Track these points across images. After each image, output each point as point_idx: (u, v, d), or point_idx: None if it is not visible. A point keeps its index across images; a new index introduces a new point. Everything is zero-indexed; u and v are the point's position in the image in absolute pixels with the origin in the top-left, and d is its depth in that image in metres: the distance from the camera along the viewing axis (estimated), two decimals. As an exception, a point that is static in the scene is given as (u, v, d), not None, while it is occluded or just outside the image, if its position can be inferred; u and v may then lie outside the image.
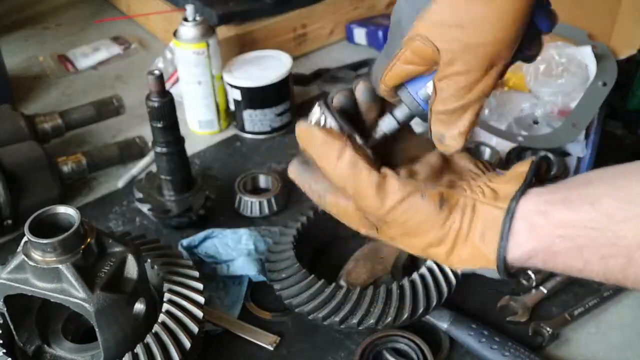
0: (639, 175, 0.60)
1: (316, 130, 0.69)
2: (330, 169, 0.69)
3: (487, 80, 0.64)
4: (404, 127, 0.76)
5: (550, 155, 1.14)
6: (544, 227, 0.62)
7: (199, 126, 1.36)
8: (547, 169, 0.71)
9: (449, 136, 0.67)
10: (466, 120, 0.66)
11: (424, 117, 0.70)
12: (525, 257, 0.63)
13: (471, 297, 0.97)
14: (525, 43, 0.65)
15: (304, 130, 0.71)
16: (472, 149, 1.18)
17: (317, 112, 0.73)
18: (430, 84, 0.66)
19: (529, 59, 0.69)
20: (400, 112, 0.72)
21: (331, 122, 0.71)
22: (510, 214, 0.63)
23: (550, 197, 0.63)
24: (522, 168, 0.67)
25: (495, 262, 0.64)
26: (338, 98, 0.75)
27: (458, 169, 0.73)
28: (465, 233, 0.65)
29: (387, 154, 0.77)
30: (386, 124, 0.73)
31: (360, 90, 0.75)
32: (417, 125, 0.81)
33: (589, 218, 0.60)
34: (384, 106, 0.76)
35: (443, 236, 0.66)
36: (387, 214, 0.67)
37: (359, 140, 0.70)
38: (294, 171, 0.74)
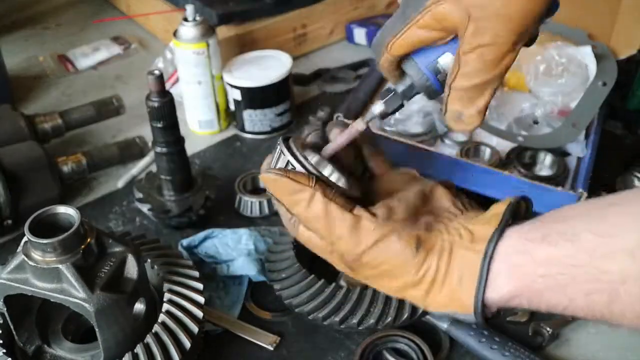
0: (617, 207, 0.59)
1: (283, 179, 0.67)
2: (302, 216, 0.67)
3: (512, 55, 0.61)
4: (382, 160, 0.74)
5: (548, 157, 1.14)
6: (524, 267, 0.61)
7: (199, 126, 1.36)
8: (527, 209, 0.69)
9: (467, 114, 0.64)
10: (486, 97, 0.63)
11: (430, 93, 0.66)
12: (507, 297, 0.62)
13: (471, 297, 0.97)
14: (544, 16, 0.63)
15: (271, 180, 0.68)
16: (470, 150, 1.17)
17: (281, 154, 0.70)
18: (443, 57, 0.63)
19: (530, 42, 0.66)
20: (404, 87, 0.67)
21: (297, 165, 0.69)
22: (487, 258, 0.62)
23: (529, 235, 0.62)
24: (499, 209, 0.65)
25: (472, 306, 0.63)
26: (311, 138, 0.74)
27: (436, 208, 0.71)
28: (442, 277, 0.64)
29: (366, 187, 0.76)
30: (388, 101, 0.68)
31: (333, 134, 0.73)
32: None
33: (569, 255, 0.58)
34: (359, 149, 0.75)
35: (419, 280, 0.65)
36: (362, 256, 0.66)
37: (326, 173, 0.68)
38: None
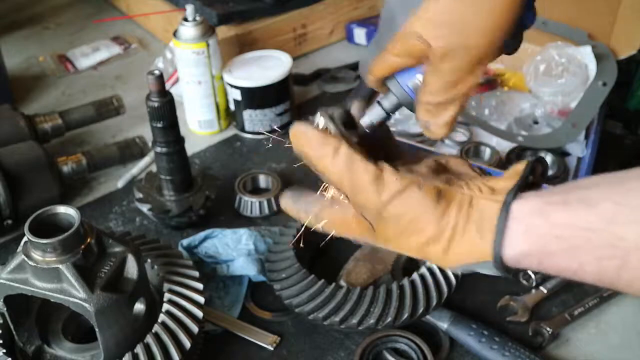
0: (637, 179, 0.60)
1: (311, 130, 0.70)
2: (328, 166, 0.69)
3: (473, 78, 0.67)
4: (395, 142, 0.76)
5: (548, 157, 1.14)
6: (540, 227, 0.62)
7: (199, 126, 1.36)
8: (543, 171, 0.71)
9: (433, 124, 0.70)
10: (451, 112, 0.69)
11: (411, 107, 0.72)
12: (521, 256, 0.63)
13: (471, 297, 0.97)
14: (510, 39, 0.67)
15: (298, 131, 0.71)
16: (471, 150, 1.18)
17: (319, 117, 0.73)
18: (419, 76, 0.69)
19: (511, 52, 0.71)
20: (388, 102, 0.73)
21: (325, 124, 0.72)
22: (506, 207, 0.63)
23: (549, 199, 0.63)
24: (518, 167, 0.68)
25: (492, 255, 0.64)
26: (334, 111, 0.76)
27: (455, 172, 0.73)
28: (462, 228, 0.65)
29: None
30: (374, 114, 0.74)
31: (356, 109, 0.76)
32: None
33: (586, 220, 0.60)
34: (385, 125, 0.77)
35: (440, 233, 0.66)
36: (385, 207, 0.67)
37: (354, 140, 0.71)
38: (288, 202, 0.75)
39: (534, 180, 0.68)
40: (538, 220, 0.62)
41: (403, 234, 0.68)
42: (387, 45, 0.70)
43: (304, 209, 0.74)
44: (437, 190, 0.67)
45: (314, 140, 0.70)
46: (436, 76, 0.67)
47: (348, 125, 0.76)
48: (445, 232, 0.66)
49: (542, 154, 1.15)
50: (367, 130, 0.75)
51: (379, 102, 0.74)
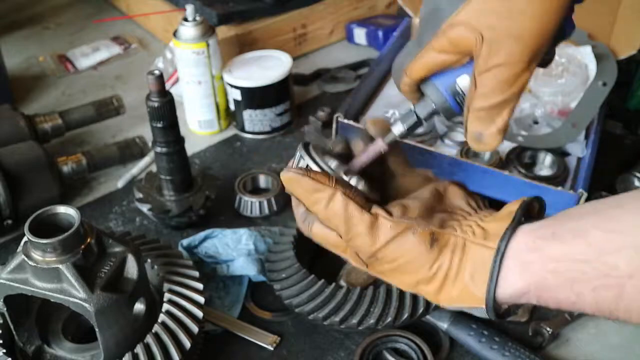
0: (627, 206, 0.60)
1: (304, 177, 0.68)
2: (322, 213, 0.69)
3: (527, 74, 0.63)
4: (403, 161, 0.75)
5: (548, 157, 1.14)
6: (535, 264, 0.62)
7: (199, 126, 1.36)
8: (540, 209, 0.70)
9: (487, 134, 0.66)
10: (504, 116, 0.65)
11: (449, 114, 0.68)
12: (518, 295, 0.63)
13: (471, 297, 0.97)
14: (550, 48, 0.65)
15: (291, 179, 0.69)
16: (471, 150, 1.17)
17: (300, 158, 0.72)
18: (461, 79, 0.64)
19: (546, 63, 0.68)
20: (423, 108, 0.69)
21: (316, 168, 0.71)
22: (500, 254, 0.63)
23: (540, 233, 0.62)
24: (512, 207, 0.66)
25: (485, 301, 0.64)
26: (334, 144, 0.76)
27: (450, 206, 0.72)
28: (454, 273, 0.65)
29: (383, 186, 0.77)
30: (407, 121, 0.70)
31: (359, 149, 0.76)
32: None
33: (579, 251, 0.59)
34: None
35: (432, 275, 0.66)
36: (378, 252, 0.68)
37: (346, 178, 0.70)
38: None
39: (530, 219, 0.66)
40: (532, 256, 0.62)
41: (397, 272, 0.68)
42: (428, 42, 0.65)
43: (304, 204, 0.72)
44: (431, 234, 0.66)
45: (307, 188, 0.68)
46: (490, 74, 0.62)
47: (343, 157, 0.74)
48: (438, 276, 0.66)
49: (542, 154, 1.15)
50: (401, 139, 0.71)
51: (412, 111, 0.70)
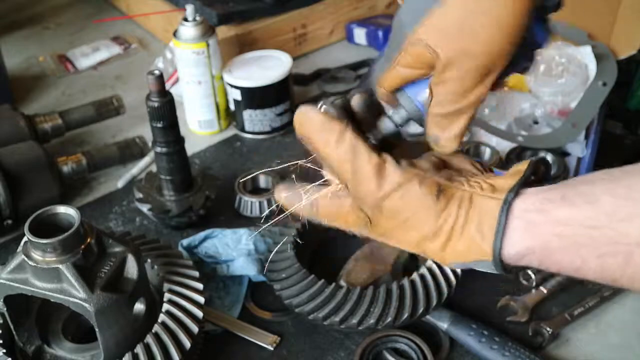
0: (636, 173, 0.60)
1: (316, 113, 0.69)
2: (331, 152, 0.68)
3: (481, 88, 0.66)
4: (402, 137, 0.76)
5: (549, 157, 1.14)
6: (541, 225, 0.62)
7: (199, 126, 1.36)
8: (545, 172, 0.71)
9: (443, 138, 0.69)
10: (460, 124, 0.68)
11: (422, 121, 0.71)
12: (521, 254, 0.63)
13: (471, 297, 0.97)
14: (521, 56, 0.67)
15: (303, 115, 0.70)
16: (470, 150, 1.18)
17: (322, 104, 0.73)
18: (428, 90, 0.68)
19: (523, 71, 0.70)
20: (398, 115, 0.72)
21: (331, 110, 0.71)
22: (507, 205, 0.62)
23: (549, 195, 0.62)
24: (520, 167, 0.67)
25: (492, 254, 0.63)
26: (339, 100, 0.75)
27: (456, 168, 0.73)
28: (461, 225, 0.65)
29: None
30: (384, 127, 0.73)
31: (356, 101, 0.75)
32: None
33: (588, 216, 0.59)
34: (380, 114, 0.76)
35: (438, 228, 0.65)
36: (384, 200, 0.67)
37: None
38: (282, 192, 0.73)
39: (535, 179, 0.67)
40: (539, 217, 0.62)
41: (401, 228, 0.68)
42: (395, 57, 0.69)
43: (298, 197, 0.72)
44: (438, 185, 0.66)
45: (318, 124, 0.68)
46: (443, 86, 0.66)
47: (350, 116, 0.75)
48: (443, 229, 0.65)
49: (542, 154, 1.15)
50: (374, 142, 0.73)
51: (389, 116, 0.73)
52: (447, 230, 0.65)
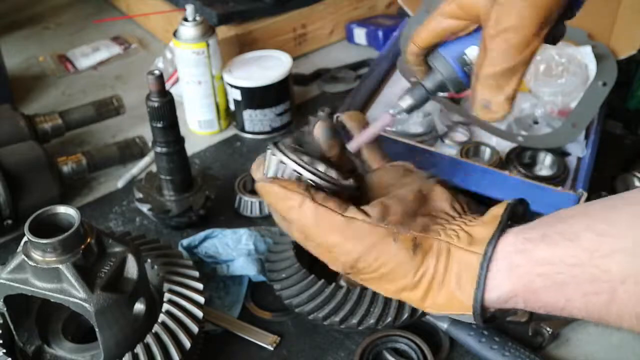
0: (620, 208, 0.58)
1: (274, 186, 0.68)
2: (295, 221, 0.68)
3: (537, 40, 0.61)
4: (380, 156, 0.74)
5: (548, 157, 1.14)
6: (522, 267, 0.60)
7: (199, 126, 1.36)
8: (524, 211, 0.69)
9: (495, 102, 0.64)
10: (513, 84, 0.63)
11: (457, 86, 0.66)
12: (505, 298, 0.62)
13: (471, 297, 0.97)
14: (559, 21, 0.64)
15: (263, 187, 0.70)
16: (470, 150, 1.18)
17: (271, 161, 0.71)
18: (470, 50, 0.63)
19: (556, 39, 0.67)
20: (432, 81, 0.67)
21: (288, 171, 0.69)
22: (487, 260, 0.61)
23: (529, 235, 0.61)
24: (497, 211, 0.65)
25: (472, 307, 0.62)
26: (296, 136, 0.75)
27: (433, 209, 0.70)
28: (440, 279, 0.63)
29: (361, 183, 0.75)
30: (416, 95, 0.68)
31: (320, 129, 0.73)
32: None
33: (569, 254, 0.57)
34: (343, 142, 0.75)
35: (417, 282, 0.64)
36: (358, 261, 0.65)
37: (320, 179, 0.68)
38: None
39: (515, 222, 0.65)
40: (520, 258, 0.60)
41: (379, 281, 0.66)
42: (437, 8, 0.64)
43: (279, 213, 0.71)
44: (413, 239, 0.64)
45: (277, 196, 0.68)
46: (500, 38, 0.60)
47: (317, 151, 0.72)
48: (422, 282, 0.64)
49: (542, 154, 1.15)
50: (408, 113, 0.69)
51: (421, 83, 0.67)
52: (426, 283, 0.64)
